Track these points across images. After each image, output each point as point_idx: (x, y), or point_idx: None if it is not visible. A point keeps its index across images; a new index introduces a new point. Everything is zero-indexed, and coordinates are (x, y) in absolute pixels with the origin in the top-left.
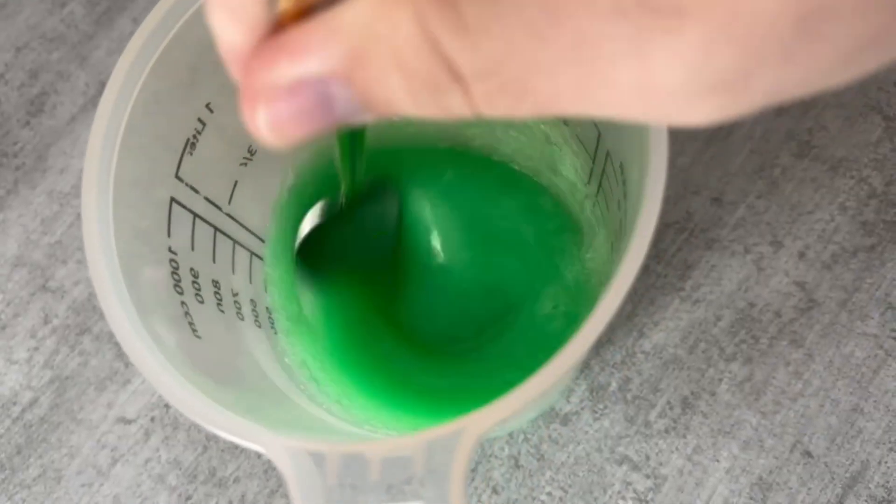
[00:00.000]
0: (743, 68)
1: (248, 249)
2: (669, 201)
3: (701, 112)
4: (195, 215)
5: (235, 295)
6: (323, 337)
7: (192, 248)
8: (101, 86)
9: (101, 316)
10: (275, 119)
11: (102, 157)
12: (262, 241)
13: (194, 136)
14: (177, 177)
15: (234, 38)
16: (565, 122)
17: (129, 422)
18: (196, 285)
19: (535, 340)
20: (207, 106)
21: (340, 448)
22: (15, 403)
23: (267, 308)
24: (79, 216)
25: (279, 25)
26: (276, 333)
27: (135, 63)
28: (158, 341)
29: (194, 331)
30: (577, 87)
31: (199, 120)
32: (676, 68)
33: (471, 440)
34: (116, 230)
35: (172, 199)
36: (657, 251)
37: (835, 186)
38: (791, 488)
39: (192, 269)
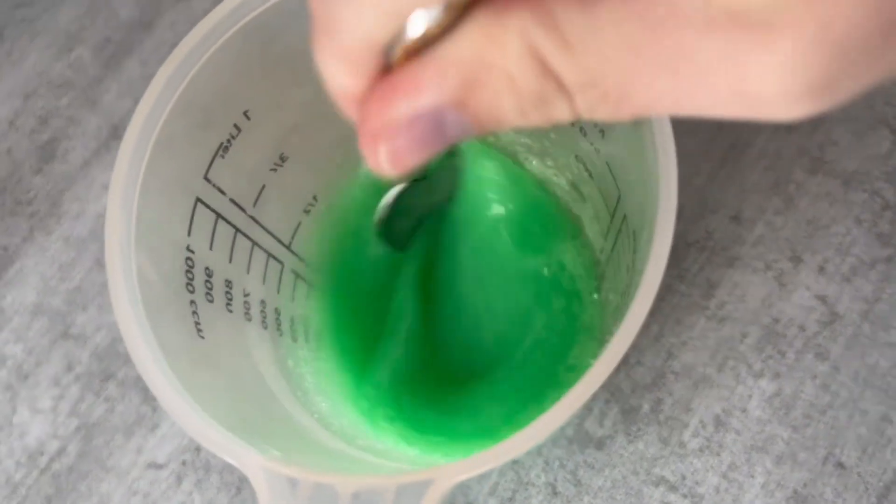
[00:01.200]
0: (835, 72)
1: (266, 251)
2: (689, 220)
3: (797, 111)
4: (218, 215)
5: (247, 295)
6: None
7: (211, 248)
8: (113, 129)
9: (126, 361)
10: (393, 152)
11: (133, 161)
12: (283, 243)
13: (228, 141)
14: (205, 178)
15: (347, 83)
16: (590, 174)
17: (159, 467)
18: (208, 284)
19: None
20: (245, 113)
21: (314, 477)
22: (42, 453)
23: (276, 309)
24: (98, 261)
25: (388, 67)
26: (281, 335)
27: (176, 70)
28: (161, 341)
29: (199, 331)
30: (673, 93)
31: (235, 126)
32: (772, 78)
33: (439, 491)
34: (138, 224)
35: (198, 199)
36: (680, 270)
37: (849, 200)
38: (826, 500)
39: (206, 269)
